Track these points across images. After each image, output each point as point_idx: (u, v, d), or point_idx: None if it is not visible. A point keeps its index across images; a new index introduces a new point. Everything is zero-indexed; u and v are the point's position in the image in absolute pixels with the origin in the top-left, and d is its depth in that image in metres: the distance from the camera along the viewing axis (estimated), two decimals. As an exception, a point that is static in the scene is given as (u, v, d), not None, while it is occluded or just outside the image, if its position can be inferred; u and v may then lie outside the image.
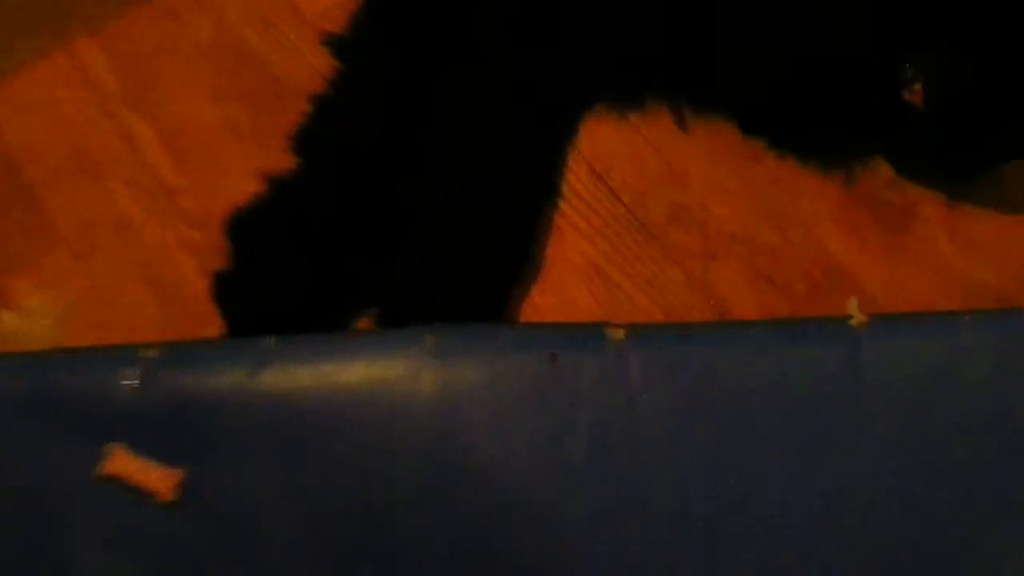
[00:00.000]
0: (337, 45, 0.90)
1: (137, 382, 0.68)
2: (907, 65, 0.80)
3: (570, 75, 0.85)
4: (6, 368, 0.70)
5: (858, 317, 0.72)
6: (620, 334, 0.69)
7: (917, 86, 0.80)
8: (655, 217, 0.85)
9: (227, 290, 0.80)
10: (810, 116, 0.84)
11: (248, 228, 0.81)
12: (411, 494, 0.65)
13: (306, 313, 0.77)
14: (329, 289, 0.79)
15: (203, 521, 0.66)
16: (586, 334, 0.69)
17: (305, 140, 0.85)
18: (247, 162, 0.86)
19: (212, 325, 0.79)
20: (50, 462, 0.67)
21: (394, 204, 0.80)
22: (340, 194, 0.81)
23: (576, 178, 0.86)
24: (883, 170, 0.87)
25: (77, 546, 0.65)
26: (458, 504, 0.65)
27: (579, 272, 0.83)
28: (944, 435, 0.69)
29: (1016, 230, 0.86)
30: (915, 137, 0.81)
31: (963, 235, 0.85)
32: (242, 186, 0.83)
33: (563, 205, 0.85)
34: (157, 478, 0.66)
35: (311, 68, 0.90)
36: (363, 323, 0.79)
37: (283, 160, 0.84)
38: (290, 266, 0.79)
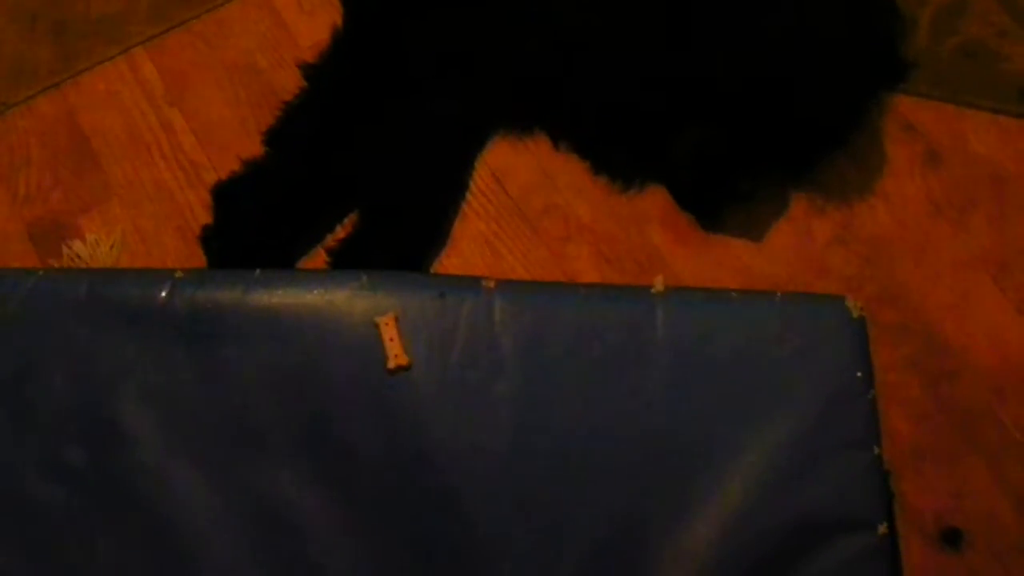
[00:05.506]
0: (307, 70, 1.24)
1: (165, 294, 0.96)
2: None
3: (479, 107, 1.20)
4: (73, 279, 0.98)
5: (658, 287, 1.00)
6: (492, 284, 0.99)
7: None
8: (533, 209, 1.19)
9: (209, 238, 1.15)
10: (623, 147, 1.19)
11: (227, 195, 1.16)
12: (343, 392, 0.95)
13: (265, 255, 1.12)
14: (286, 239, 1.15)
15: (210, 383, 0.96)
16: (468, 282, 1.00)
17: (272, 135, 1.20)
18: (251, 148, 1.20)
19: (219, 260, 1.14)
20: (96, 350, 0.95)
21: (337, 185, 1.16)
22: (291, 174, 1.16)
23: (480, 178, 1.20)
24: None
25: (121, 403, 0.93)
26: (379, 401, 0.95)
27: (476, 245, 1.17)
28: (712, 376, 0.96)
29: (790, 238, 1.18)
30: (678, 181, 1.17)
31: (753, 238, 1.18)
32: (246, 166, 1.18)
33: (469, 197, 1.20)
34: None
35: (301, 84, 1.24)
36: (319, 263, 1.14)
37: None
38: (255, 223, 1.14)
